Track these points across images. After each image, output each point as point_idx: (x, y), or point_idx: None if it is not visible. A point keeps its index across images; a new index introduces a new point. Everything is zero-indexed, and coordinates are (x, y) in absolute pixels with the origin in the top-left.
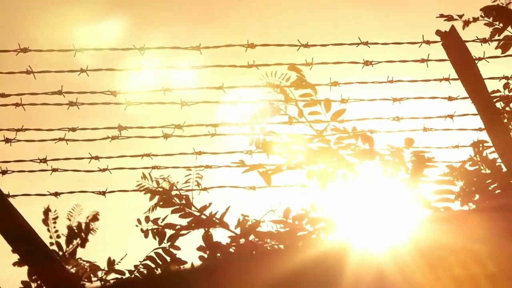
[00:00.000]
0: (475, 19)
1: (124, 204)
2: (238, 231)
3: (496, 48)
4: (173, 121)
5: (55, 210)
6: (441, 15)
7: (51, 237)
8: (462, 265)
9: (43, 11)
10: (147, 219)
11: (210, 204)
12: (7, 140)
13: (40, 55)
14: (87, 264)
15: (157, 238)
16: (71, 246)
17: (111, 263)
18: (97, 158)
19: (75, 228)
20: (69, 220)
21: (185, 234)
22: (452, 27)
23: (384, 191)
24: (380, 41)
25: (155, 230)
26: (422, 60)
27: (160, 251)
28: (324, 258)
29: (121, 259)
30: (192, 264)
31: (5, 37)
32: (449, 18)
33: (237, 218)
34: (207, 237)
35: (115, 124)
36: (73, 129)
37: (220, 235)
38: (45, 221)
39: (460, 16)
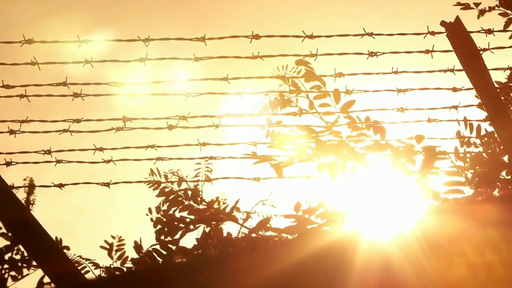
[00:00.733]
0: (491, 9)
1: (129, 195)
2: (247, 224)
3: (510, 38)
4: (177, 112)
5: None
6: (458, 3)
7: None
8: (471, 254)
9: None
10: (158, 209)
11: (217, 198)
12: (11, 132)
13: (45, 47)
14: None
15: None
16: None
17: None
18: (101, 149)
19: None
20: None
21: (194, 229)
22: (457, 18)
23: (394, 183)
24: (385, 32)
25: (166, 222)
26: (427, 51)
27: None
28: (333, 248)
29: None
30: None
31: (10, 29)
32: (466, 6)
33: (243, 210)
34: (217, 231)
35: (120, 115)
36: (78, 121)
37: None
38: None
39: (477, 5)
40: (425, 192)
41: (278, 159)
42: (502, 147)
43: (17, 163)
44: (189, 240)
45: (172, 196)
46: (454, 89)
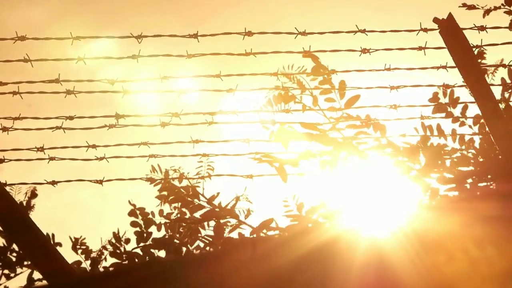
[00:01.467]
0: (496, 8)
1: (122, 193)
2: (247, 220)
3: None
4: (170, 109)
5: None
6: (464, 4)
7: None
8: (469, 250)
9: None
10: (161, 212)
11: (218, 194)
12: (4, 129)
13: (37, 43)
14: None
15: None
16: None
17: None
18: (94, 146)
19: None
20: None
21: (196, 227)
22: (450, 14)
23: (393, 180)
24: (378, 29)
25: (167, 224)
26: (420, 48)
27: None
28: (333, 246)
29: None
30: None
31: (2, 25)
32: (471, 7)
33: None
34: (218, 228)
35: (113, 112)
36: (71, 118)
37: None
38: None
39: (483, 7)
40: (425, 189)
41: (278, 155)
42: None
43: (10, 160)
44: None
45: (173, 192)
46: (447, 86)
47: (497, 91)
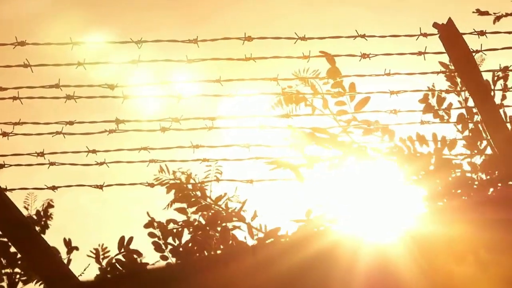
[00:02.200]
0: (508, 14)
1: (122, 198)
2: (253, 223)
3: None
4: (170, 114)
5: None
6: (477, 10)
7: None
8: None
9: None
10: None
11: (225, 194)
12: (4, 134)
13: (37, 49)
14: None
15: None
16: None
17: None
18: (94, 151)
19: (34, 216)
20: (27, 209)
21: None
22: (449, 19)
23: (402, 185)
24: (377, 33)
25: (174, 231)
26: (420, 53)
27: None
28: (336, 250)
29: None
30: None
31: (2, 30)
32: (483, 13)
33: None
34: (224, 232)
35: (113, 117)
36: (71, 123)
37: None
38: None
39: (495, 13)
40: (430, 195)
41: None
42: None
43: (10, 165)
44: None
45: (181, 192)
46: (447, 91)
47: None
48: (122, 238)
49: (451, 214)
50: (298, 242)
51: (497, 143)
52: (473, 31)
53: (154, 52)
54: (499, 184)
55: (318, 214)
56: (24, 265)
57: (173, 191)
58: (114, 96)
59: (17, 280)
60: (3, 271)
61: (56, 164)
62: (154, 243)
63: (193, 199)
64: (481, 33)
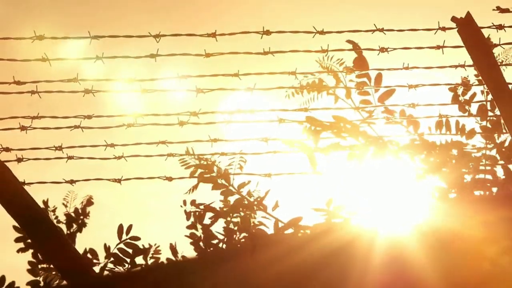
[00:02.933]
0: None
1: (139, 192)
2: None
3: None
4: (188, 108)
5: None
6: (498, 8)
7: None
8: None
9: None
10: (192, 202)
11: (249, 182)
12: (22, 128)
13: (56, 43)
14: None
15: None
16: (71, 231)
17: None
18: (112, 145)
19: (72, 214)
20: (66, 206)
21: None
22: (468, 13)
23: (422, 178)
24: (396, 27)
25: (196, 213)
26: (438, 47)
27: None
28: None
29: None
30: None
31: (21, 25)
32: (504, 10)
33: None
34: (245, 220)
35: (131, 111)
36: (89, 117)
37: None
38: (45, 211)
39: None
40: (449, 188)
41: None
42: None
43: (28, 159)
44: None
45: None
46: (463, 84)
47: None
48: (121, 226)
49: (472, 208)
50: (320, 233)
51: None
52: (492, 25)
53: (172, 47)
54: None
55: (338, 205)
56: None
57: (196, 176)
58: (132, 90)
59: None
60: (39, 266)
61: (74, 158)
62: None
63: (218, 183)
64: (500, 27)
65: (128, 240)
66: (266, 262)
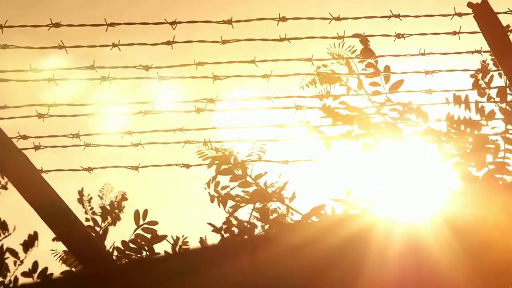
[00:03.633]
0: None
1: (156, 179)
2: (292, 204)
3: None
4: (205, 95)
5: (89, 194)
6: None
7: (86, 212)
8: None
9: None
10: (216, 184)
11: (265, 173)
12: (39, 116)
13: (72, 30)
14: None
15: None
16: (105, 223)
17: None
18: (129, 133)
19: (108, 206)
20: (101, 198)
21: (243, 206)
22: None
23: (436, 167)
24: (412, 13)
25: (220, 198)
26: (454, 33)
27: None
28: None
29: None
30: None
31: (37, 12)
32: None
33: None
34: (264, 211)
35: (148, 98)
36: (105, 104)
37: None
38: (81, 201)
39: None
40: (464, 176)
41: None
42: None
43: (46, 147)
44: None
45: (226, 164)
46: (482, 71)
47: None
48: (137, 212)
49: (496, 195)
50: (340, 222)
51: None
52: (508, 10)
53: (188, 34)
54: None
55: (357, 195)
56: None
57: (214, 166)
58: (149, 77)
59: None
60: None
61: (92, 145)
62: None
63: (236, 174)
64: None
65: (146, 225)
66: (288, 251)
